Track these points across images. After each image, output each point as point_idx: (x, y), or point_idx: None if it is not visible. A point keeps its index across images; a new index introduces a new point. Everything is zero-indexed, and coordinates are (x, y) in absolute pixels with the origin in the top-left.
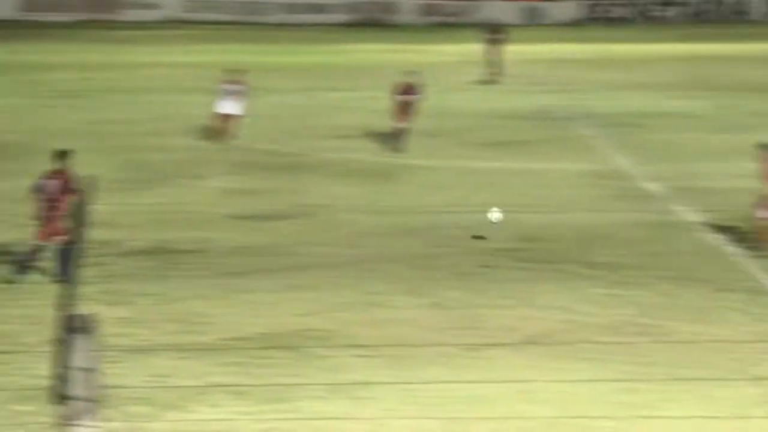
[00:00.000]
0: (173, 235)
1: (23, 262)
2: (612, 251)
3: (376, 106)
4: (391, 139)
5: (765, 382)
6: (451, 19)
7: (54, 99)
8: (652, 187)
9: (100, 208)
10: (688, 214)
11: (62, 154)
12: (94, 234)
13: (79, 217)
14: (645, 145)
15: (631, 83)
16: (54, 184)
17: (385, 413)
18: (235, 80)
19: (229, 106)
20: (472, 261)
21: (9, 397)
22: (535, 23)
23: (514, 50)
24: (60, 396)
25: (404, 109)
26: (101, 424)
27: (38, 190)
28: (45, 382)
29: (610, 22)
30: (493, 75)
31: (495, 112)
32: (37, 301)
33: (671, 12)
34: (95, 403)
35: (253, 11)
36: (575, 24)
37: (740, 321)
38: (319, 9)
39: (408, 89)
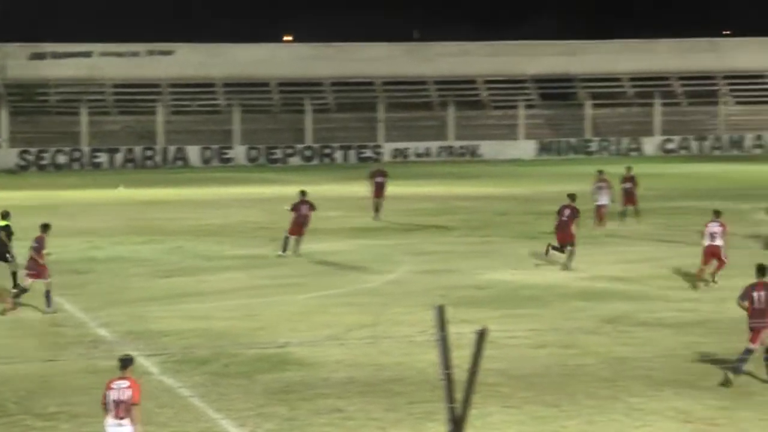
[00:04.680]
0: None
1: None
2: (66, 400)
3: None
4: None
5: None
6: None
7: None
8: (102, 332)
9: None
10: (141, 358)
11: None
12: None
13: None
14: (94, 291)
15: (75, 229)
16: None
17: None
18: None
19: None
20: None
21: None
22: None
23: None
24: None
25: None
26: None
27: None
28: None
29: (53, 168)
30: None
31: None
32: None
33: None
34: None
35: None
36: (12, 172)
37: None
38: None
39: None
